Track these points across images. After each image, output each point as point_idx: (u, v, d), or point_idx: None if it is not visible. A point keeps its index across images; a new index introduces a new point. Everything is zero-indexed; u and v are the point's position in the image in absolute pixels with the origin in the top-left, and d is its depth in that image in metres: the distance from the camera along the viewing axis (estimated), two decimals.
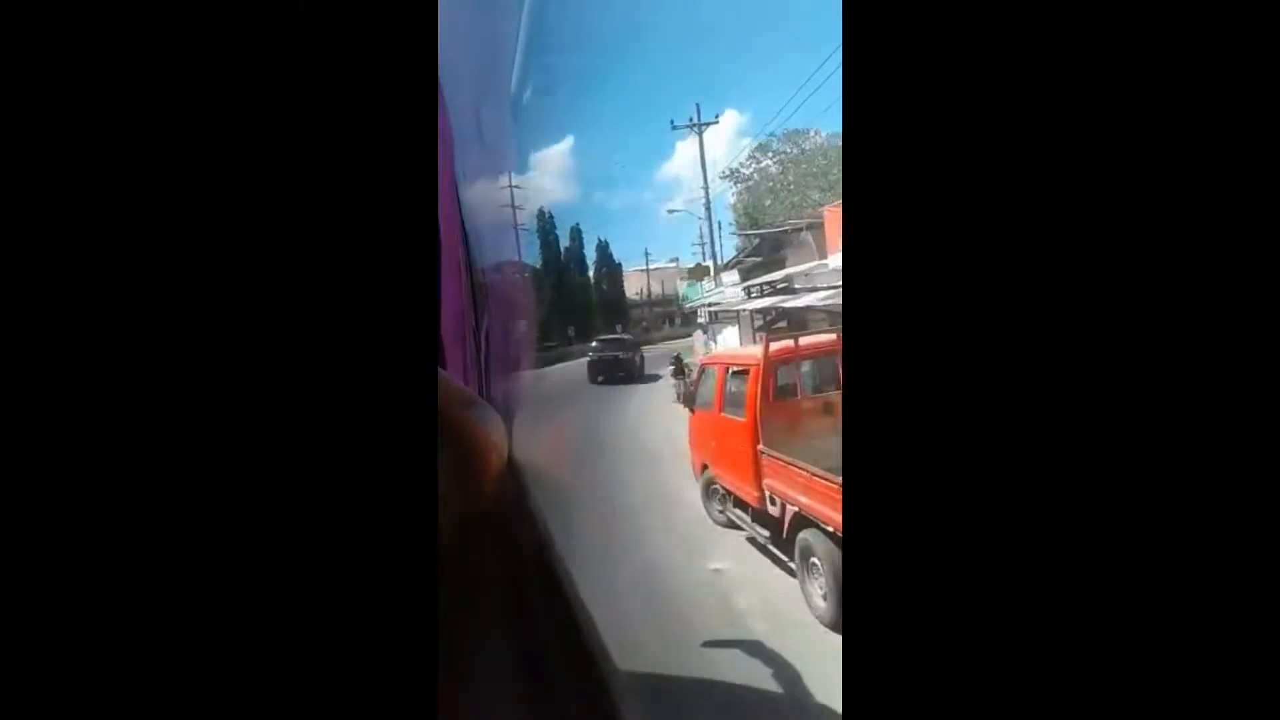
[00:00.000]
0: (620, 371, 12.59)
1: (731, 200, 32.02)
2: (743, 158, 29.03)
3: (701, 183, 15.25)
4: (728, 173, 29.80)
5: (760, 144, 28.00)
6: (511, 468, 0.50)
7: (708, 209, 16.26)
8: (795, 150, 26.73)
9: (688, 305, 16.29)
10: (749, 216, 30.38)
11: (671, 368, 14.08)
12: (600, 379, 12.73)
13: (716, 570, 4.62)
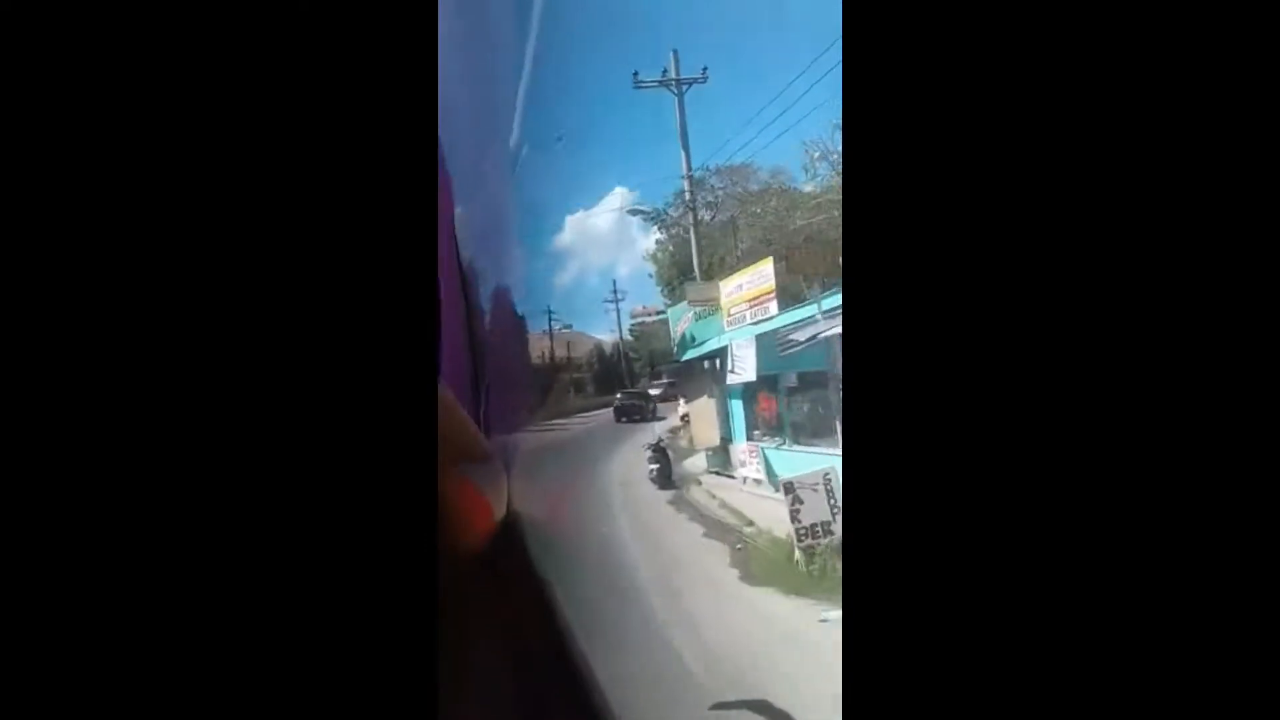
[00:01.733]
0: (637, 415, 15.80)
1: (651, 250, 27.98)
2: (668, 198, 25.04)
3: (684, 171, 10.12)
4: (652, 214, 25.79)
5: (696, 179, 24.12)
6: (510, 521, 0.49)
7: (691, 204, 10.86)
8: (738, 189, 23.06)
9: (688, 354, 10.73)
10: (677, 269, 26.41)
11: (650, 461, 8.85)
12: (623, 419, 16.11)
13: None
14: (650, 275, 27.92)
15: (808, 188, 21.14)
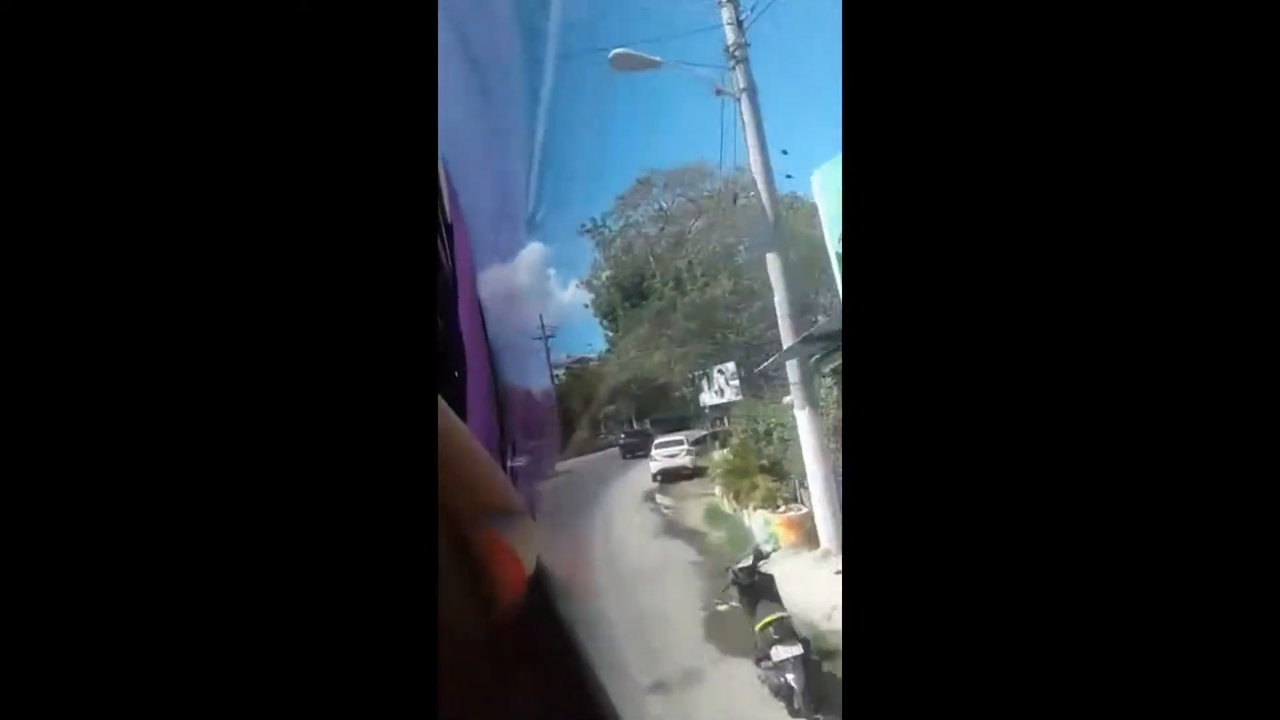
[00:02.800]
0: (640, 451, 15.15)
1: (585, 277, 23.63)
2: (608, 208, 20.85)
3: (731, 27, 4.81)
4: (589, 227, 21.52)
5: (640, 180, 20.06)
6: (539, 574, 0.48)
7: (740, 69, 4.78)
8: (691, 194, 19.21)
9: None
10: (621, 292, 22.23)
11: (733, 587, 3.58)
12: (628, 456, 16.33)
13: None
14: (586, 305, 23.45)
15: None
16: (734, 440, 7.70)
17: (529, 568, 0.44)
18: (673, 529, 7.52)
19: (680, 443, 13.08)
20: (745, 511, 6.49)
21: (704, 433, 12.87)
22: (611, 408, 22.96)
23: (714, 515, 7.36)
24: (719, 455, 8.39)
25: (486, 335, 0.54)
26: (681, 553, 6.36)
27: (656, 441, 13.46)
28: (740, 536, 6.05)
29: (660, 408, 20.22)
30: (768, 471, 6.46)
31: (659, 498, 11.34)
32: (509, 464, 0.56)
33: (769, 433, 7.10)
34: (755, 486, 6.17)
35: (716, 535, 6.54)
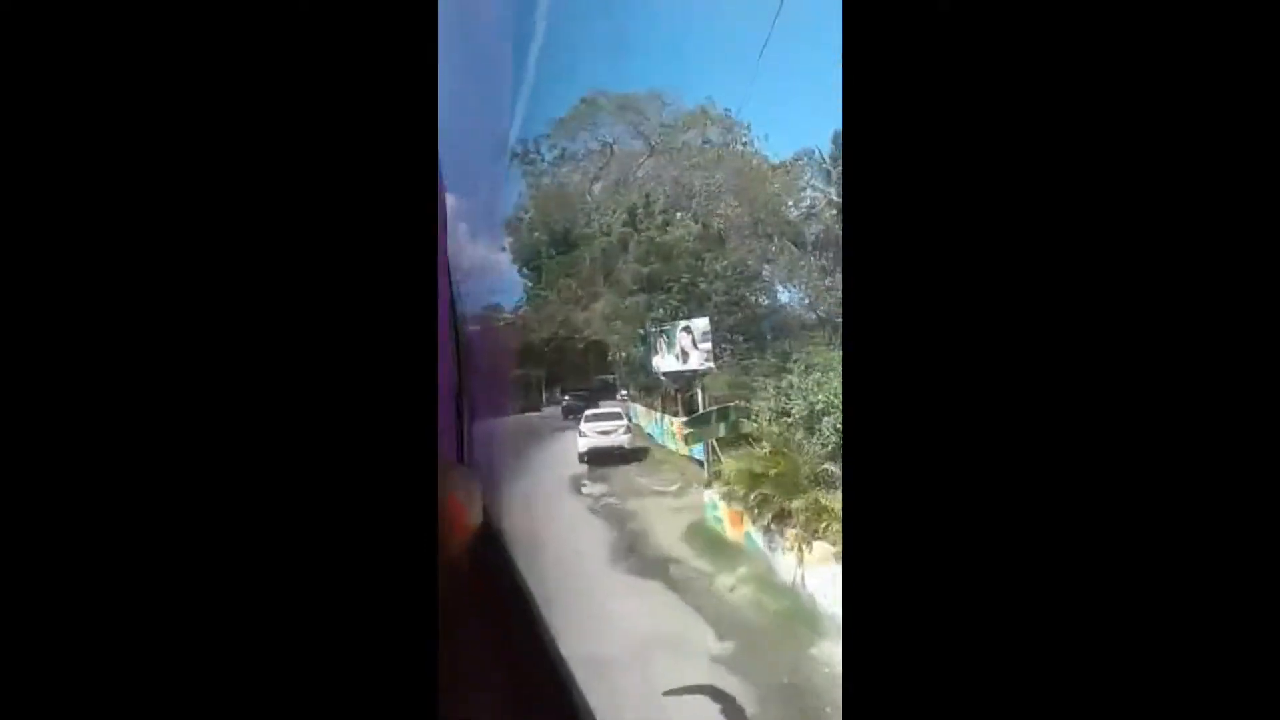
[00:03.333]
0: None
1: (507, 217, 20.07)
2: (540, 130, 17.45)
3: None
4: (518, 151, 18.04)
5: (585, 100, 16.77)
6: (489, 524, 0.49)
7: None
8: (644, 127, 16.17)
9: None
10: (548, 231, 18.97)
11: None
12: (569, 417, 14.42)
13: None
14: (504, 249, 19.95)
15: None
16: (761, 425, 4.96)
17: (475, 517, 0.43)
18: (641, 558, 4.73)
19: (618, 415, 10.44)
20: (791, 550, 3.82)
21: (707, 411, 9.85)
22: (520, 371, 19.85)
23: (714, 544, 4.63)
24: (736, 454, 5.50)
25: (453, 291, 0.53)
26: (676, 619, 3.61)
27: (587, 414, 10.67)
28: (802, 609, 3.36)
29: (581, 372, 17.41)
30: (827, 484, 3.81)
31: (586, 486, 8.62)
32: (464, 407, 0.55)
33: (817, 416, 4.44)
34: (824, 511, 3.50)
35: (735, 589, 3.84)
